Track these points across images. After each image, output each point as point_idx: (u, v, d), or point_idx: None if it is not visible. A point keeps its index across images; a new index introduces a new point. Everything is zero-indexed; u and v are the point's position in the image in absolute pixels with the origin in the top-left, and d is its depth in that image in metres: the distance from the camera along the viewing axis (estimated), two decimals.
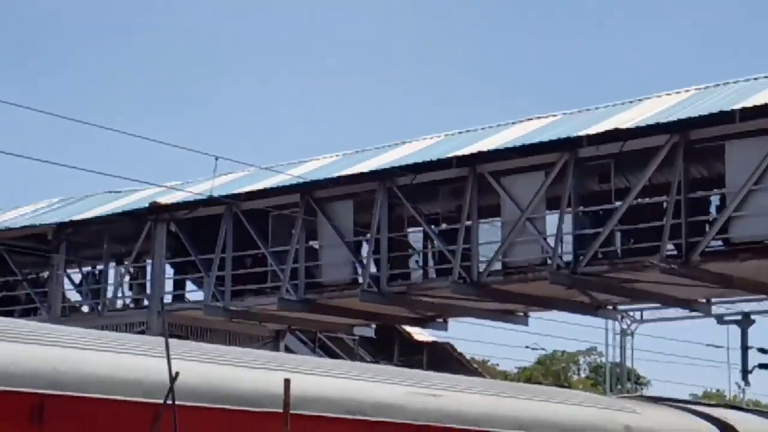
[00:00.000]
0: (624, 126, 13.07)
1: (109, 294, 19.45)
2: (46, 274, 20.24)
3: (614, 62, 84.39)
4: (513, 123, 16.14)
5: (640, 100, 14.66)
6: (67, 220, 18.62)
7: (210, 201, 16.19)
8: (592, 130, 13.56)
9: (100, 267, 19.90)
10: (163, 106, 75.26)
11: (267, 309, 17.56)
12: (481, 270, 14.92)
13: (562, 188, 13.89)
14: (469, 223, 14.73)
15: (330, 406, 8.47)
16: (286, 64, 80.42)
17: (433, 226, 15.80)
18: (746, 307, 19.03)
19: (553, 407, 11.87)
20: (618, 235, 14.09)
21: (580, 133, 13.53)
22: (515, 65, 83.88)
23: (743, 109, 11.88)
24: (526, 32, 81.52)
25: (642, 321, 20.86)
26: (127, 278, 19.88)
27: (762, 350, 23.79)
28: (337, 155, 18.10)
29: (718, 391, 33.15)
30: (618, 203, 13.80)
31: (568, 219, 14.11)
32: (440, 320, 19.56)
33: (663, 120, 12.68)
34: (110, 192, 19.46)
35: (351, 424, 8.71)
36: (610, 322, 21.93)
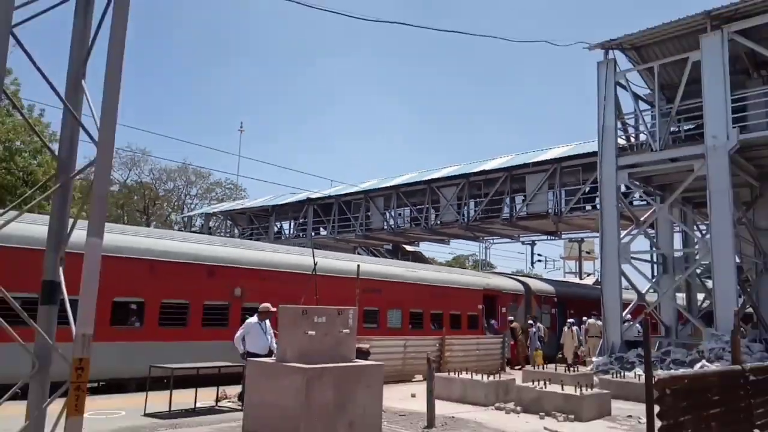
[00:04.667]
0: None
1: None
2: None
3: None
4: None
5: None
6: None
7: None
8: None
9: None
10: None
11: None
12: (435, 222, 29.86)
13: None
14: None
15: (369, 274, 19.29)
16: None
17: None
18: None
19: (454, 275, 24.39)
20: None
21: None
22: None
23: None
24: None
25: (495, 243, 36.28)
26: None
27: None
28: None
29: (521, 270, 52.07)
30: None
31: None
32: (416, 243, 34.48)
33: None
34: None
35: (375, 281, 19.36)
36: (483, 246, 38.26)
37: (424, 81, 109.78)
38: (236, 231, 38.01)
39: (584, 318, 22.54)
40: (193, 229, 43.53)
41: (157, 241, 14.61)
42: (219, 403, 10.13)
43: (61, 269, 4.12)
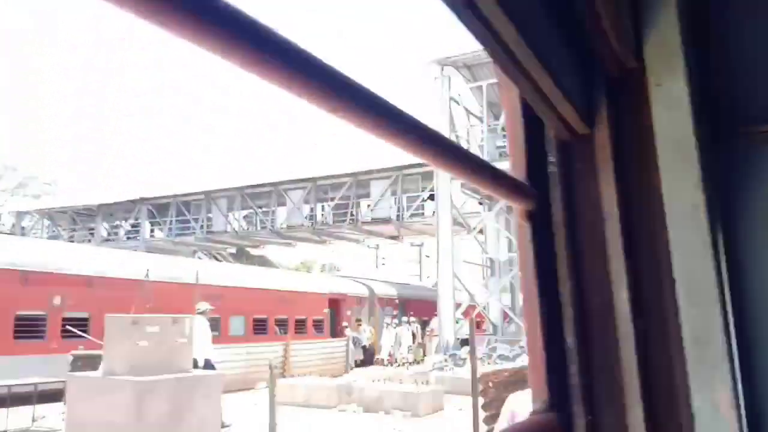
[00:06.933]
0: None
1: None
2: None
3: None
4: None
5: None
6: None
7: None
8: None
9: None
10: None
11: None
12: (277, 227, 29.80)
13: None
14: None
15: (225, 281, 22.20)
16: None
17: None
18: None
19: (299, 280, 26.91)
20: None
21: None
22: None
23: None
24: None
25: (342, 246, 37.49)
26: None
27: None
28: None
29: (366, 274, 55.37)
30: None
31: None
32: (262, 247, 34.44)
33: None
34: None
35: (216, 288, 20.97)
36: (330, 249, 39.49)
37: None
38: (56, 232, 34.36)
39: (401, 318, 23.76)
40: (1, 229, 38.54)
41: None
42: (35, 424, 9.20)
43: None
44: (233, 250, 34.22)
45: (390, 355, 21.36)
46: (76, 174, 75.35)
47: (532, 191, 0.78)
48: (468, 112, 20.41)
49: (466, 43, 19.96)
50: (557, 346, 0.77)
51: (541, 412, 0.75)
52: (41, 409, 9.72)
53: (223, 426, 9.00)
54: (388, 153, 29.54)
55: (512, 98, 0.76)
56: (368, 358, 22.23)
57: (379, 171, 26.60)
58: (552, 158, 0.81)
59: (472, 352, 7.60)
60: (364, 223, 27.24)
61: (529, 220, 0.78)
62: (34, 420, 9.30)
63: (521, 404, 2.95)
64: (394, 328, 22.31)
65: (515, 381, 8.47)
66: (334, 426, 9.71)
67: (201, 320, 9.46)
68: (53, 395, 9.98)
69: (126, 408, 6.69)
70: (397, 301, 28.16)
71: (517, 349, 16.39)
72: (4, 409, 8.75)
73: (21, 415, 9.23)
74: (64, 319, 13.68)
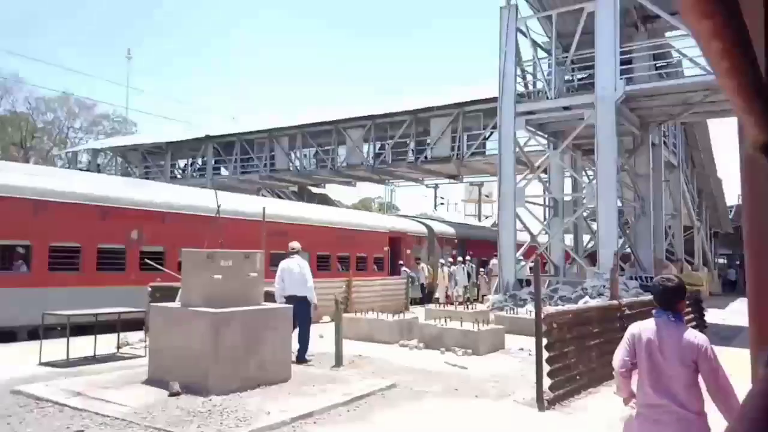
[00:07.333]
0: None
1: None
2: None
3: None
4: None
5: None
6: None
7: None
8: None
9: None
10: None
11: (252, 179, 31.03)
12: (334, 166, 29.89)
13: None
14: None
15: (276, 217, 21.89)
16: None
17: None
18: None
19: (361, 218, 28.07)
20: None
21: None
22: None
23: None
24: None
25: (400, 186, 37.45)
26: None
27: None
28: None
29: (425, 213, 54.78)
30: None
31: None
32: (322, 185, 34.71)
33: None
34: None
35: (281, 224, 21.86)
36: (389, 188, 39.07)
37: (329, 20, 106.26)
38: (128, 169, 35.89)
39: (458, 258, 23.63)
40: (79, 165, 40.58)
41: (43, 178, 13.59)
42: (120, 350, 9.90)
43: None
44: (295, 189, 34.76)
45: (447, 295, 21.55)
46: (147, 113, 77.47)
47: None
48: (535, 44, 19.40)
49: None
50: None
51: None
52: (122, 336, 10.40)
53: (305, 360, 9.31)
54: (448, 91, 28.77)
55: (754, 10, 0.63)
56: (427, 296, 22.53)
57: (439, 108, 26.03)
58: None
59: (537, 293, 7.52)
60: (423, 161, 26.99)
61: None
62: (119, 347, 9.99)
63: (641, 327, 3.39)
64: (448, 267, 22.39)
65: (579, 323, 8.40)
66: (397, 356, 9.98)
67: (304, 262, 9.52)
68: (134, 323, 10.67)
69: (203, 337, 7.06)
70: (456, 240, 28.07)
71: (579, 291, 16.17)
72: (90, 337, 9.40)
73: (105, 341, 9.92)
74: (141, 253, 14.42)
